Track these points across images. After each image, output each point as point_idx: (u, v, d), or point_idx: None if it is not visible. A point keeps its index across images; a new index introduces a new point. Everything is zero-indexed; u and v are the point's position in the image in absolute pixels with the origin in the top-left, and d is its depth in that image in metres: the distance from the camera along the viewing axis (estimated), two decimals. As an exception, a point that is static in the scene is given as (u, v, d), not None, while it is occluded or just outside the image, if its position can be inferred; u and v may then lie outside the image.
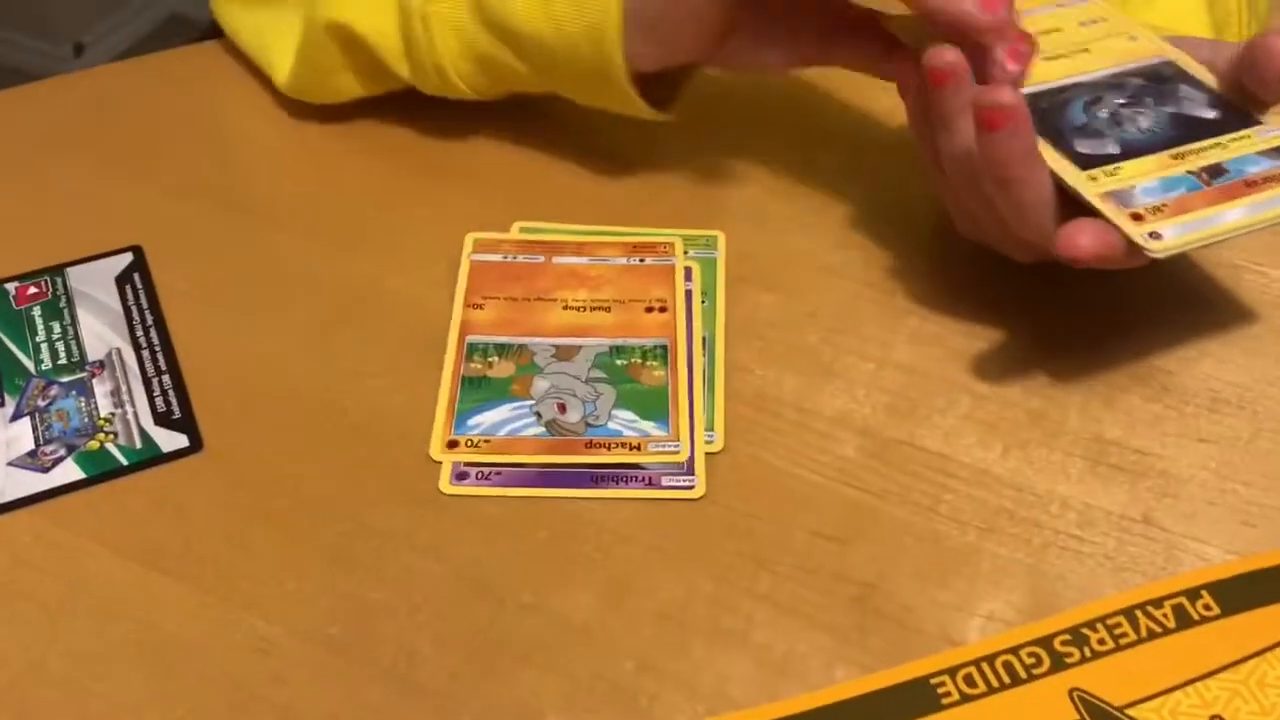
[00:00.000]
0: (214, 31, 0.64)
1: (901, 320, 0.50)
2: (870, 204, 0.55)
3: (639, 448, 0.44)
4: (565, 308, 0.49)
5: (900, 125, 0.52)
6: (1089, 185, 0.44)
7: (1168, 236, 0.43)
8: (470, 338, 0.48)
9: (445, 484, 0.43)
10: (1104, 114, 0.47)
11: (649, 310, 0.49)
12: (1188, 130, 0.47)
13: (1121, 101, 0.48)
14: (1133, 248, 0.43)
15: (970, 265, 0.52)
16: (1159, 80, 0.49)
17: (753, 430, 0.45)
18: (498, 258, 0.51)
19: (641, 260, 0.51)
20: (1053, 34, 0.51)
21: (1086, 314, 0.50)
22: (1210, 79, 0.48)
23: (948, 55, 0.45)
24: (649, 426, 0.45)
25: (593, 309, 0.49)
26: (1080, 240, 0.42)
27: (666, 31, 0.50)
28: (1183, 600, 0.40)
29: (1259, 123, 0.47)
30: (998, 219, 0.46)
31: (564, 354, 0.47)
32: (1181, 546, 0.42)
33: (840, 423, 0.46)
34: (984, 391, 0.47)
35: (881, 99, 0.60)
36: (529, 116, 0.58)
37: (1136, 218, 0.43)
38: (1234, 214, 0.44)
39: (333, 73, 0.56)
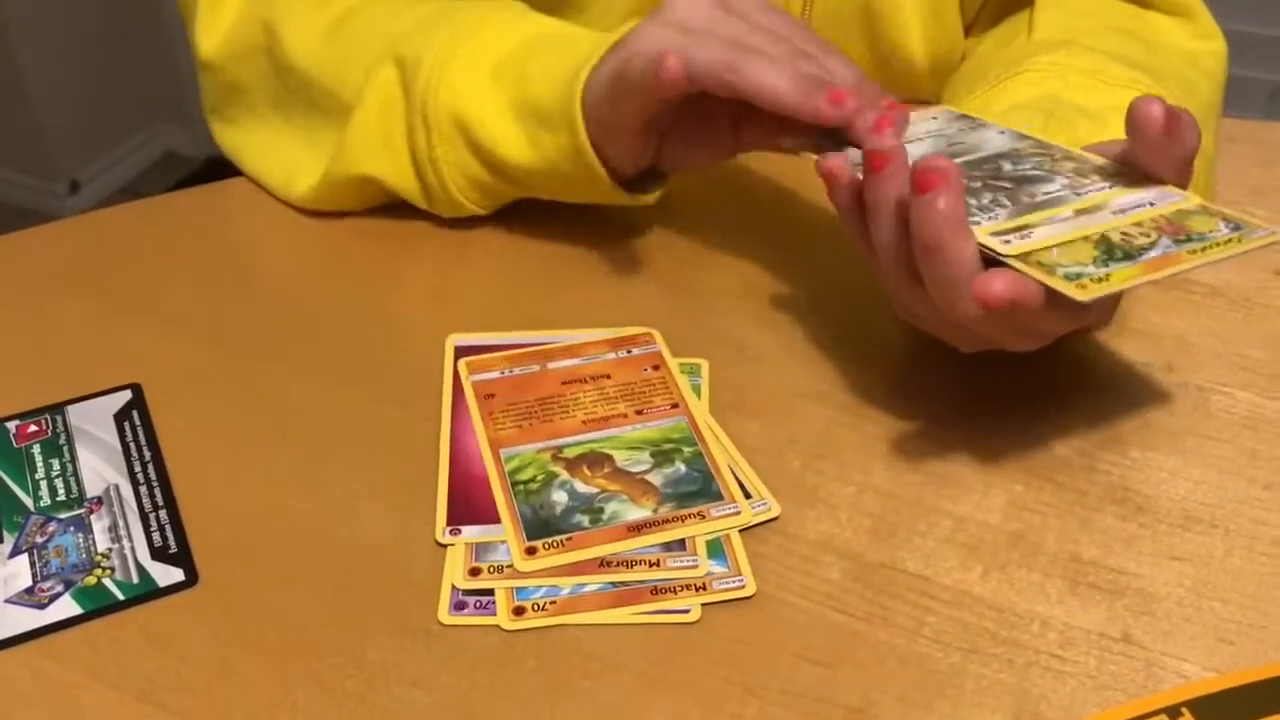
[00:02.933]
0: (207, 167, 0.67)
1: (879, 445, 0.51)
2: (845, 333, 0.57)
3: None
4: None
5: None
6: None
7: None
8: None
9: (444, 614, 0.44)
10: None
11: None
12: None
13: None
14: (1054, 296, 0.44)
15: (945, 391, 0.53)
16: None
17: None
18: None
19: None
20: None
21: (1061, 438, 0.51)
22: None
23: (885, 141, 0.48)
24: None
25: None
26: (994, 286, 0.44)
27: (614, 140, 0.56)
28: (1164, 718, 0.41)
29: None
30: (930, 303, 0.48)
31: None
32: (1161, 664, 0.43)
33: (824, 547, 0.47)
34: (963, 514, 0.48)
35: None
36: (526, 234, 0.61)
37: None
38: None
39: (355, 200, 0.63)
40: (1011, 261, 0.45)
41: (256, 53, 0.65)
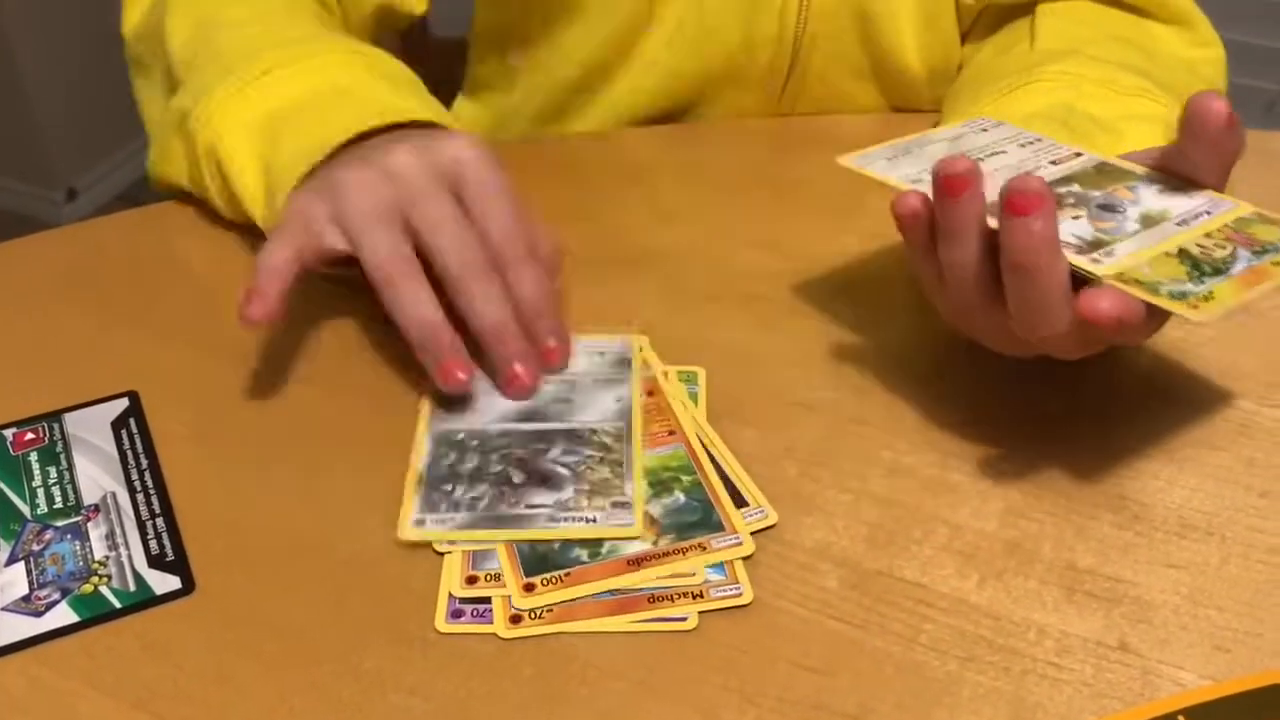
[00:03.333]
0: None
1: (876, 453, 0.51)
2: (843, 340, 0.57)
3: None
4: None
5: (870, 264, 0.55)
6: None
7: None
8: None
9: (441, 622, 0.44)
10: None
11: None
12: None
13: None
14: (1154, 313, 0.44)
15: (940, 400, 0.53)
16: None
17: (735, 563, 0.46)
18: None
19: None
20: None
21: (1058, 445, 0.52)
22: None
23: (960, 164, 0.46)
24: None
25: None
26: (1101, 304, 0.43)
27: None
28: (1160, 726, 0.41)
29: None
30: (1004, 321, 0.47)
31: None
32: (1157, 672, 0.43)
33: (821, 554, 0.47)
34: (959, 522, 0.48)
35: (852, 243, 0.62)
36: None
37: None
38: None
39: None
40: (1110, 282, 0.45)
41: (155, 34, 0.67)
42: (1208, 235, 0.47)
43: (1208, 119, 0.46)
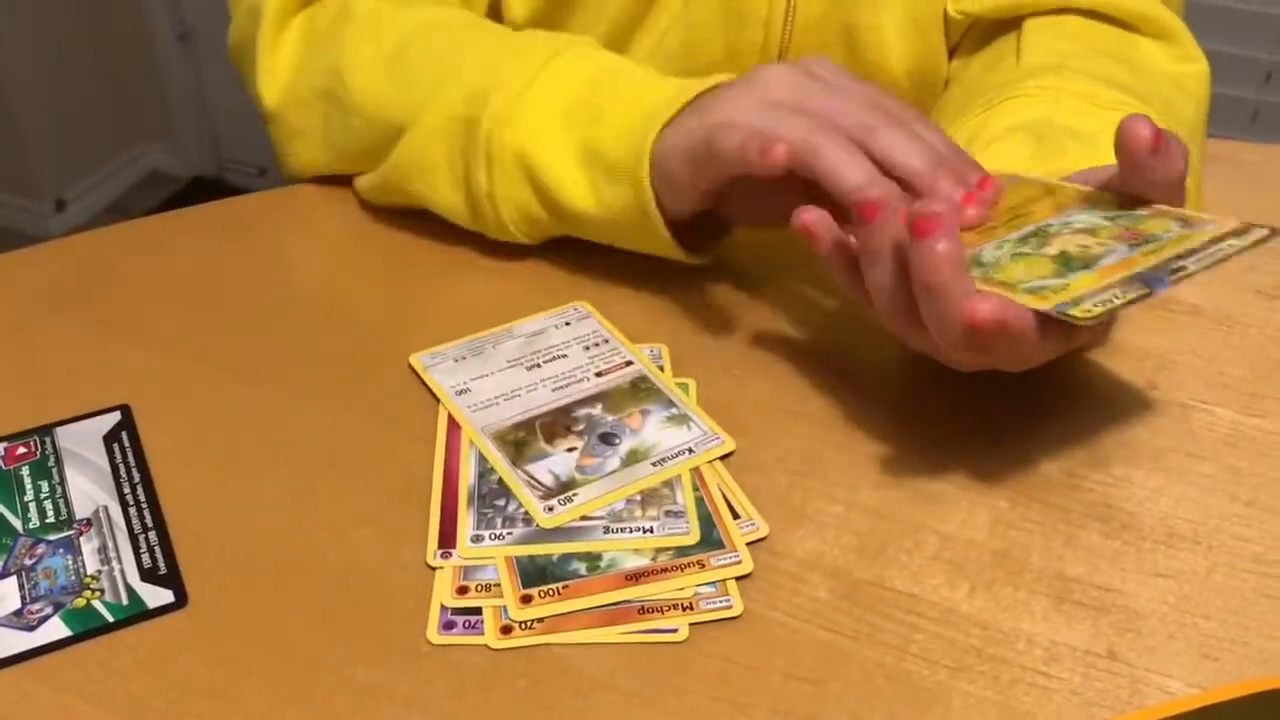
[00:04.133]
0: (193, 186, 0.67)
1: (866, 464, 0.51)
2: (832, 351, 0.57)
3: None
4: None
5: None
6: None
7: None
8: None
9: (433, 634, 0.44)
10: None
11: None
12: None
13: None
14: (1045, 321, 0.45)
15: (930, 411, 0.54)
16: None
17: (726, 574, 0.47)
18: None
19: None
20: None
21: (1045, 456, 0.52)
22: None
23: (874, 191, 0.48)
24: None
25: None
26: (980, 308, 0.44)
27: (679, 196, 0.56)
28: (1148, 734, 0.41)
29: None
30: (930, 337, 0.48)
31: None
32: (1145, 680, 0.43)
33: (811, 565, 0.47)
34: (949, 532, 0.49)
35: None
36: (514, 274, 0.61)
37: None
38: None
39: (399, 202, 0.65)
40: (978, 285, 0.46)
41: (318, 98, 0.66)
42: (1094, 235, 0.48)
43: (1134, 142, 0.47)
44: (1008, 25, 0.70)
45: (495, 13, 0.75)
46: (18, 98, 1.94)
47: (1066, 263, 0.46)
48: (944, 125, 0.65)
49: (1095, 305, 0.44)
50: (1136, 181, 0.49)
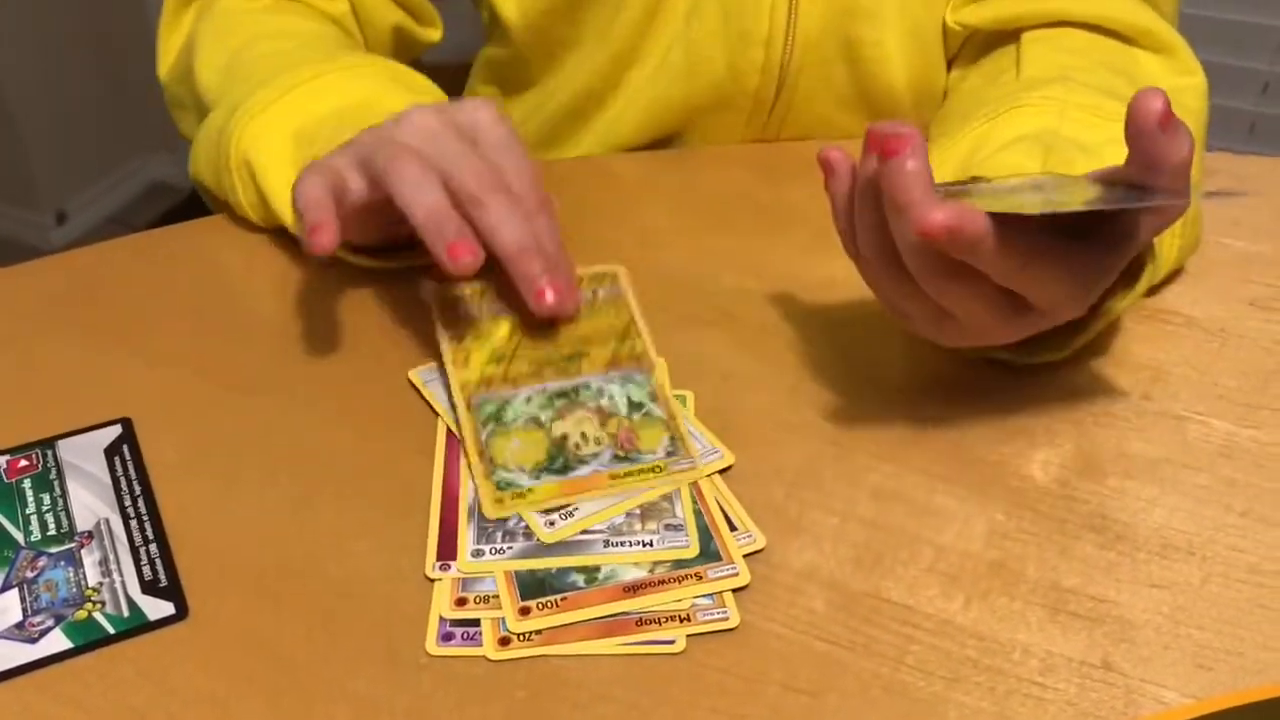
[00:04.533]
0: (195, 197, 0.69)
1: (862, 476, 0.52)
2: (828, 363, 0.57)
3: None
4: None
5: (856, 288, 0.55)
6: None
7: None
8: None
9: (432, 645, 0.44)
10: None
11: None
12: None
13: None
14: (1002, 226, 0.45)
15: (924, 422, 0.54)
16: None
17: (724, 586, 0.47)
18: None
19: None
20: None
21: (1040, 467, 0.52)
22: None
23: (902, 126, 0.47)
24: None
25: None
26: (934, 216, 0.44)
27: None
28: (1143, 745, 0.41)
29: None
30: (917, 297, 0.49)
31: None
32: (1140, 691, 0.43)
33: (808, 577, 0.47)
34: (944, 543, 0.49)
35: (838, 268, 0.63)
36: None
37: None
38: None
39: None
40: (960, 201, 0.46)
41: (186, 78, 0.71)
42: (585, 434, 0.51)
43: (1145, 114, 0.47)
44: (1006, 37, 0.71)
45: (491, 19, 0.76)
46: (19, 108, 1.95)
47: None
48: (944, 136, 0.65)
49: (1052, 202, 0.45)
50: (1144, 159, 0.48)
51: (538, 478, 0.49)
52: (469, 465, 0.50)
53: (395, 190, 0.52)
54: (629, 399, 0.53)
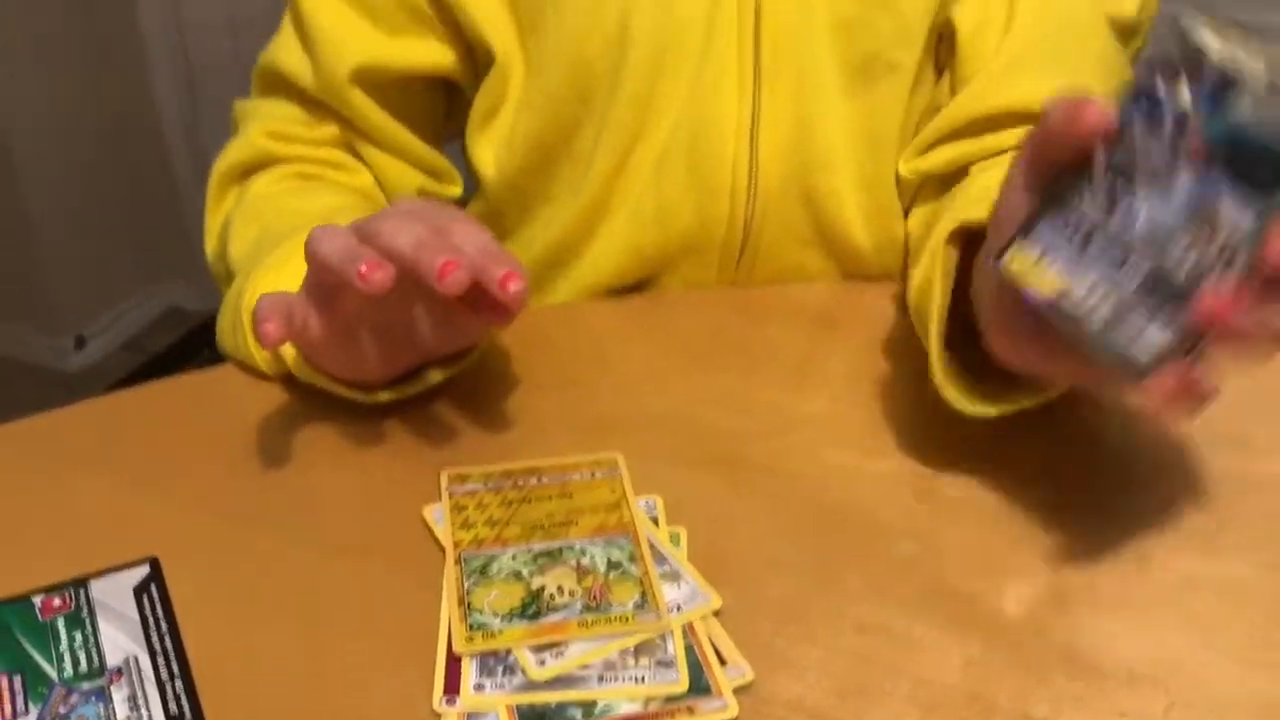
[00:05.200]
0: (210, 323, 0.74)
1: (845, 609, 0.55)
2: (811, 499, 0.61)
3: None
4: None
5: (838, 425, 0.59)
6: None
7: None
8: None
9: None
10: None
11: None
12: None
13: None
14: None
15: (904, 558, 0.57)
16: None
17: (714, 718, 0.50)
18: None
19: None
20: None
21: (1014, 601, 0.55)
22: None
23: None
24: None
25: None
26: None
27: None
28: None
29: None
30: None
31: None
32: (1107, 818, 0.46)
33: (794, 708, 0.50)
34: (923, 675, 0.52)
35: (820, 404, 0.67)
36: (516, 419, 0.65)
37: None
38: None
39: None
40: None
41: (224, 252, 0.77)
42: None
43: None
44: (958, 174, 0.75)
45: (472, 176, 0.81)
46: (42, 235, 2.01)
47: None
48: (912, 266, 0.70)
49: None
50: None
51: (509, 621, 0.53)
52: (447, 606, 0.54)
53: (309, 246, 0.57)
54: (609, 559, 0.56)
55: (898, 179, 0.77)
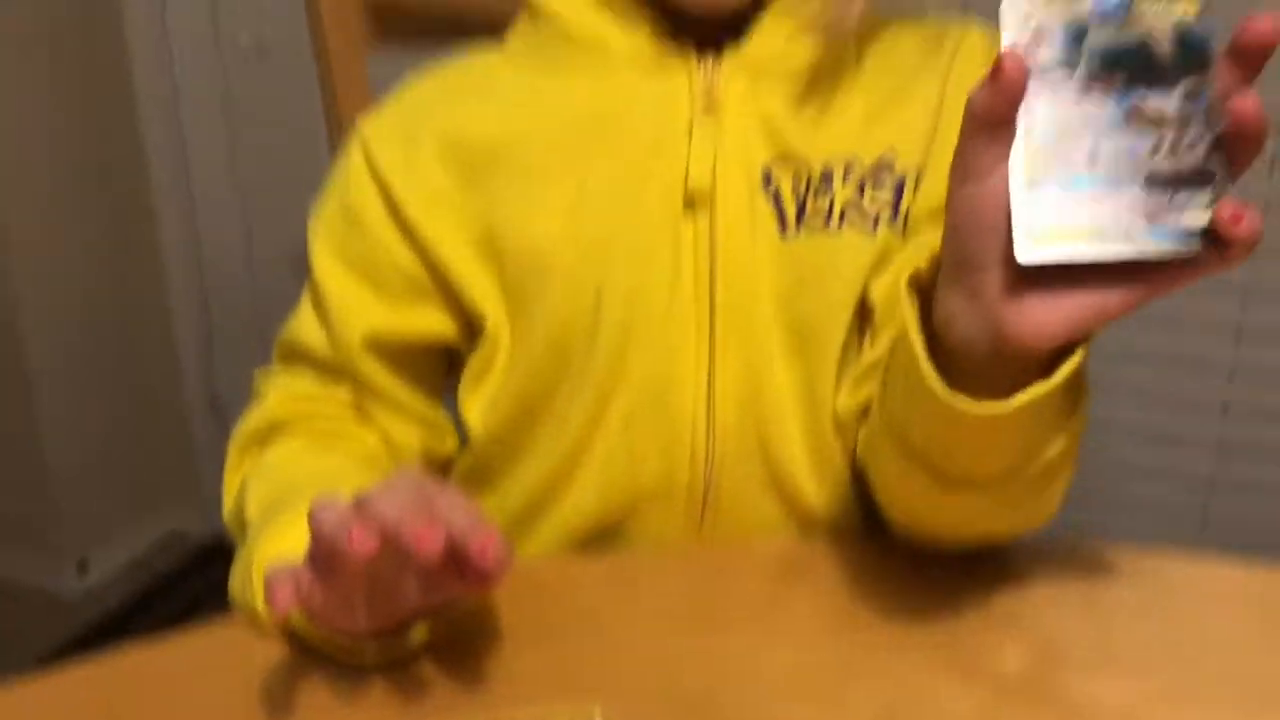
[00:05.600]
0: (215, 547, 0.79)
1: None
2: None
3: None
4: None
5: (804, 675, 0.61)
6: None
7: None
8: None
9: None
10: None
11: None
12: None
13: None
14: None
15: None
16: None
17: None
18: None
19: None
20: None
21: None
22: None
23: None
24: None
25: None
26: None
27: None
28: None
29: None
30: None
31: None
32: None
33: None
34: None
35: (787, 655, 0.70)
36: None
37: None
38: None
39: None
40: None
41: (240, 515, 0.81)
42: None
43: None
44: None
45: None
46: (51, 459, 2.05)
47: None
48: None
49: None
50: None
51: None
52: None
53: (311, 521, 0.61)
54: None
55: (838, 420, 0.82)
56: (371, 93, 1.12)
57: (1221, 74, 0.55)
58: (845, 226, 0.80)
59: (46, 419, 2.04)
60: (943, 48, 0.83)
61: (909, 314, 0.64)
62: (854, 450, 0.83)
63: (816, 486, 0.83)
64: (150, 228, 2.14)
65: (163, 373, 2.19)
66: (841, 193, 0.81)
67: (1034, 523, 0.73)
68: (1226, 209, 0.54)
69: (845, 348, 0.82)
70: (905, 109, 0.82)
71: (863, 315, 0.82)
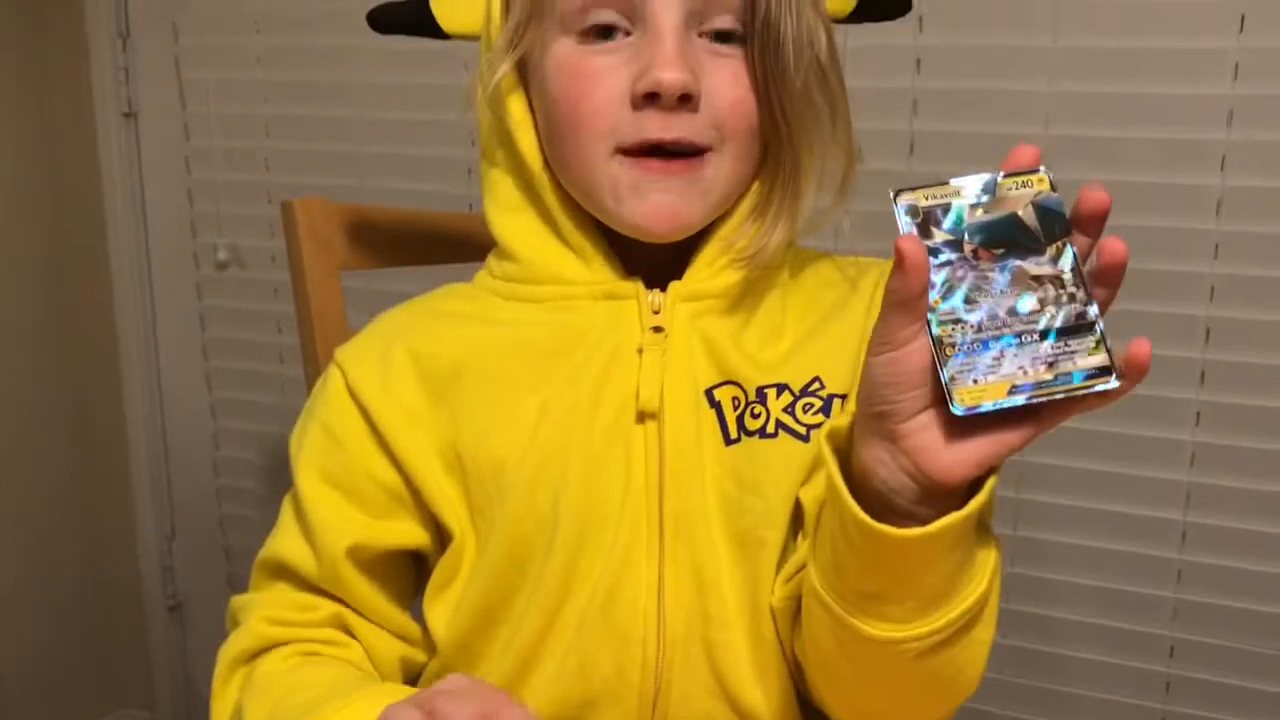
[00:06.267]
0: None
1: None
2: None
3: None
4: None
5: None
6: None
7: None
8: None
9: None
10: None
11: None
12: None
13: None
14: None
15: None
16: None
17: None
18: None
19: None
20: None
21: None
22: None
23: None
24: None
25: None
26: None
27: None
28: None
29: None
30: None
31: None
32: None
33: None
34: None
35: None
36: None
37: None
38: None
39: None
40: None
41: None
42: None
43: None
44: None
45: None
46: (4, 667, 2.02)
47: None
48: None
49: None
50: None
51: None
52: None
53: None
54: None
55: (773, 613, 0.86)
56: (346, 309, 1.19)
57: (1077, 236, 0.64)
58: (781, 434, 0.87)
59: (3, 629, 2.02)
60: (861, 285, 0.92)
61: (829, 460, 0.70)
62: (791, 644, 0.87)
63: (762, 694, 0.86)
64: (119, 429, 2.16)
65: (125, 573, 2.18)
66: (775, 408, 0.87)
67: (956, 696, 0.77)
68: (1143, 348, 0.61)
69: (781, 558, 0.86)
70: (829, 340, 0.90)
71: (796, 520, 0.87)
